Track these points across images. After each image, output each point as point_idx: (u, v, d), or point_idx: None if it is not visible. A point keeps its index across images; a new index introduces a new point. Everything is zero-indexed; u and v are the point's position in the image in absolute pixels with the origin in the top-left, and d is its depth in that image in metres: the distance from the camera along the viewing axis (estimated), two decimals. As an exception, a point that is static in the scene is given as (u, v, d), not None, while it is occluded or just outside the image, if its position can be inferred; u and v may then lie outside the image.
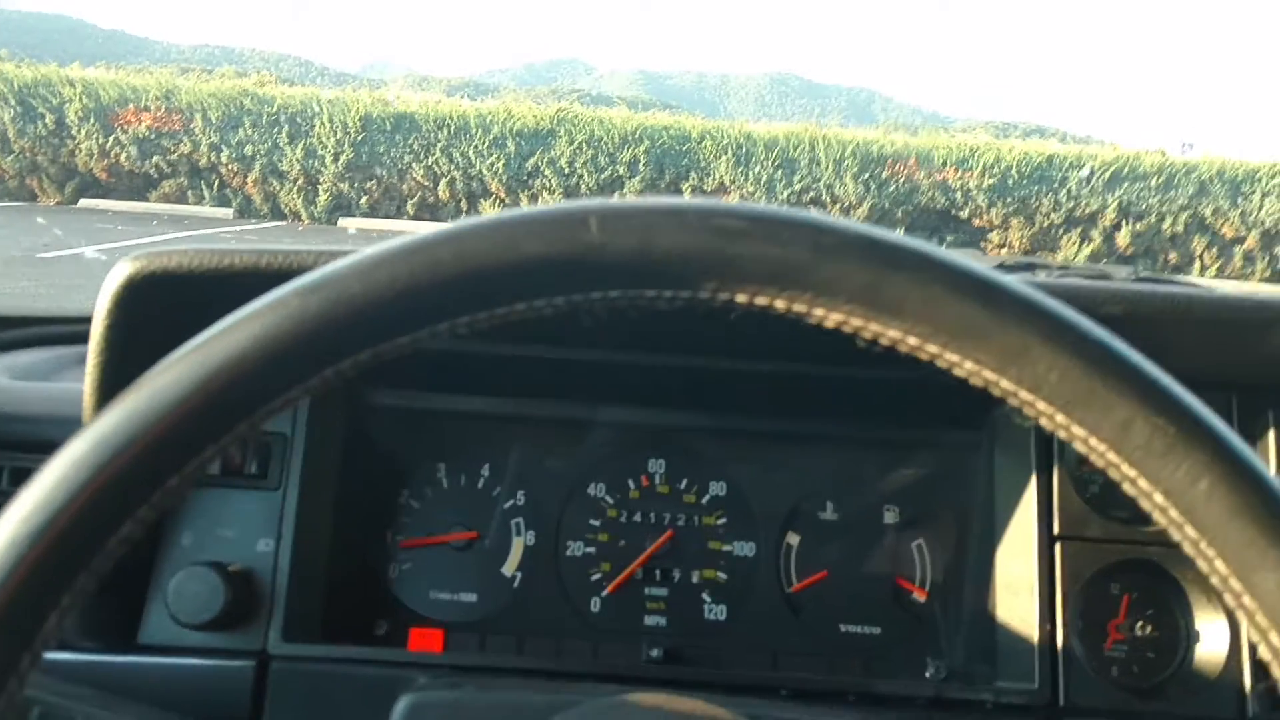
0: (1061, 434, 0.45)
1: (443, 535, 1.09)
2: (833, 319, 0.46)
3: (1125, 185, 14.67)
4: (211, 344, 0.42)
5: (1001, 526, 1.01)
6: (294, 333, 0.43)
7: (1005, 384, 0.45)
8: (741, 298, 0.46)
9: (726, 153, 14.57)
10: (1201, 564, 0.43)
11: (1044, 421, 0.45)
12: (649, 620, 1.08)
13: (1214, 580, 0.43)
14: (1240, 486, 0.41)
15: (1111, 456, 0.44)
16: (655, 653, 1.01)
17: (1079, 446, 0.45)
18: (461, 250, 0.44)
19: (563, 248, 0.44)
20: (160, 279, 0.84)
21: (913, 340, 0.46)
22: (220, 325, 0.43)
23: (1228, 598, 0.42)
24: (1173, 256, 14.76)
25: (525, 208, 0.46)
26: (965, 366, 0.45)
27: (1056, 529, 0.97)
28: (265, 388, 0.43)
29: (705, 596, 1.09)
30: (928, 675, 1.04)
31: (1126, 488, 0.44)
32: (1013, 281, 0.46)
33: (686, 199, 0.47)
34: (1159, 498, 0.43)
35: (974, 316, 0.44)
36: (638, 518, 1.10)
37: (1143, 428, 0.42)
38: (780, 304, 0.46)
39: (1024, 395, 0.45)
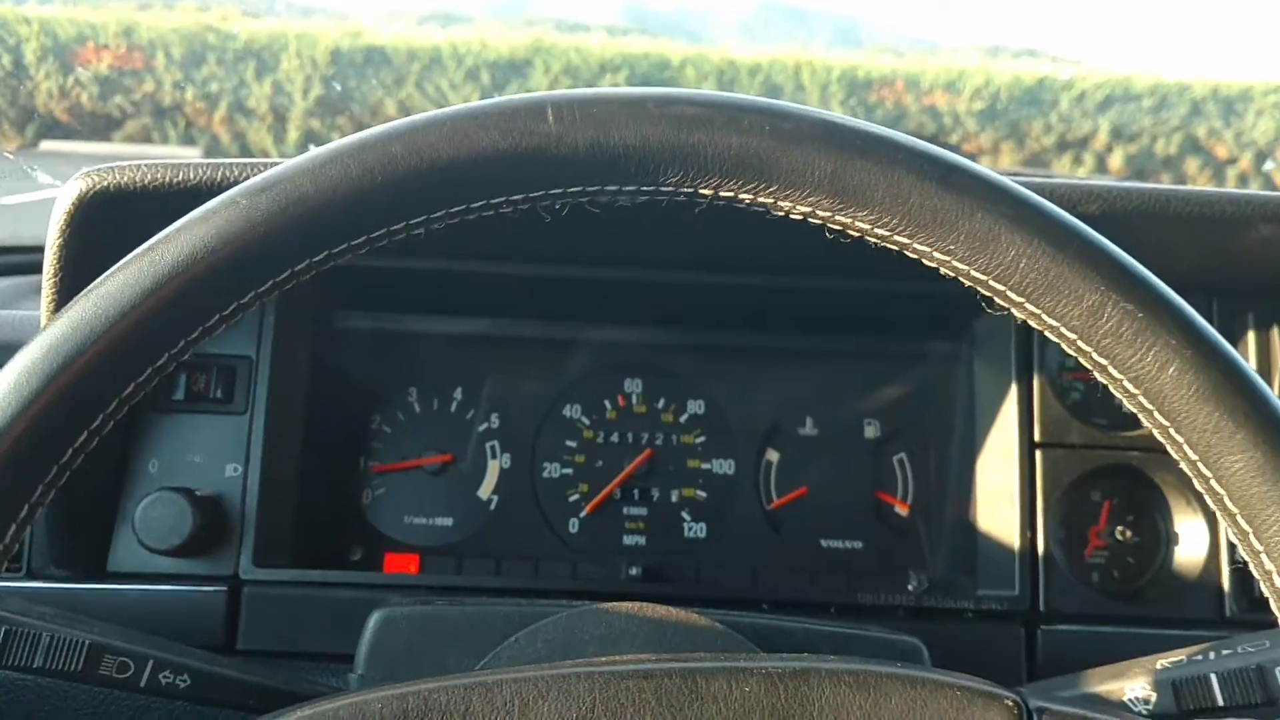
0: (1032, 323, 0.44)
1: (416, 459, 1.08)
2: (799, 210, 0.45)
3: (1117, 107, 14.58)
4: (160, 248, 0.41)
5: (982, 436, 1.01)
6: (244, 235, 0.41)
7: (975, 273, 0.44)
8: (705, 190, 0.45)
9: (709, 80, 14.37)
10: (1171, 450, 0.43)
11: (1015, 311, 0.44)
12: (628, 540, 1.07)
13: (1184, 466, 0.42)
14: (1208, 370, 0.40)
15: (1082, 345, 0.43)
16: (635, 571, 1.01)
17: (1050, 336, 0.44)
18: (415, 144, 0.42)
19: (519, 139, 0.42)
20: (113, 195, 0.81)
21: (881, 230, 0.44)
22: (169, 229, 0.42)
23: (1197, 483, 0.42)
24: (1166, 179, 14.75)
25: (481, 101, 0.44)
26: (934, 256, 0.44)
27: (1037, 436, 0.97)
28: (219, 291, 0.42)
29: (685, 515, 1.09)
30: (910, 588, 1.04)
31: (1098, 375, 0.43)
32: (978, 167, 0.44)
33: (647, 88, 0.45)
34: (1129, 385, 0.43)
35: (940, 203, 0.42)
36: (615, 438, 1.09)
37: (1112, 314, 0.41)
38: (745, 196, 0.45)
39: (994, 285, 0.44)
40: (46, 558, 0.89)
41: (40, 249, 0.85)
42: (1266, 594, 0.42)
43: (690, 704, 0.47)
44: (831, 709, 0.47)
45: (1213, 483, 0.42)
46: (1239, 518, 0.41)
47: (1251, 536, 0.41)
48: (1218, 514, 0.42)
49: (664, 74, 14.46)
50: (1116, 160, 14.55)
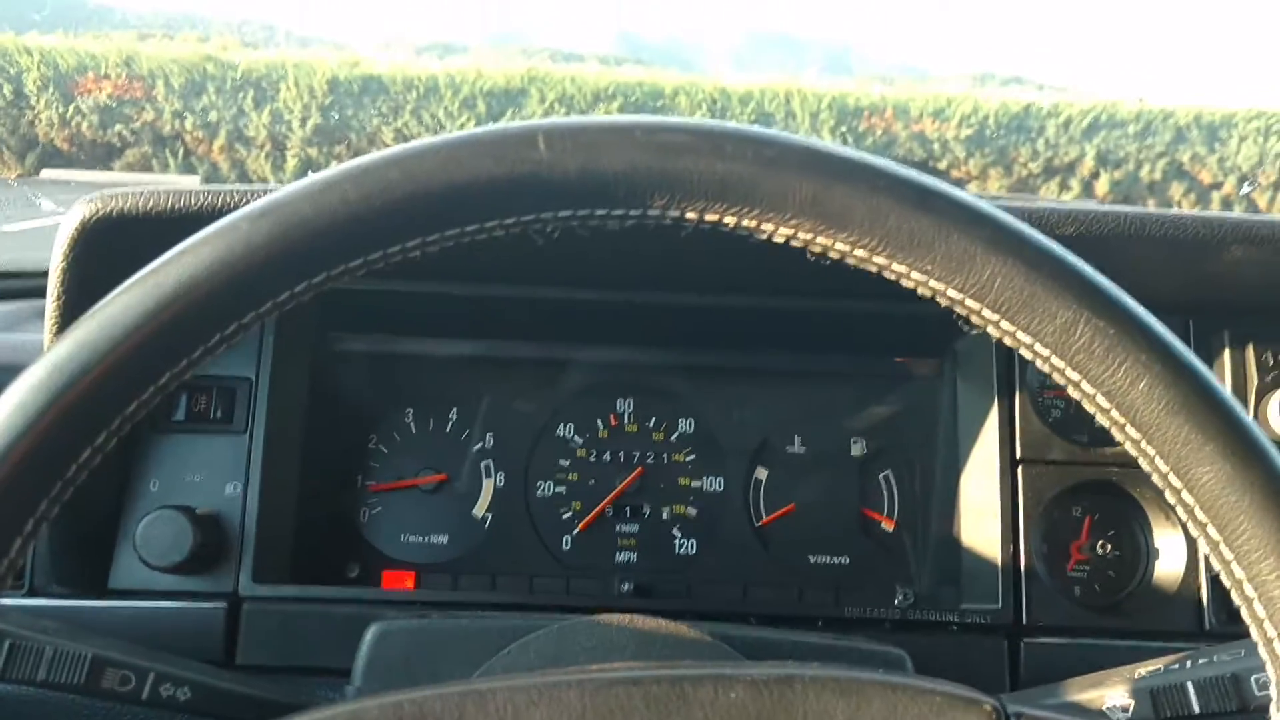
0: (1007, 341, 0.45)
1: (412, 479, 1.09)
2: (781, 233, 0.46)
3: (1103, 133, 14.66)
4: (163, 270, 0.42)
5: (965, 453, 1.03)
6: (245, 257, 0.43)
7: (951, 292, 0.46)
8: (691, 215, 0.47)
9: (701, 108, 14.44)
10: (1143, 463, 0.44)
11: (991, 330, 0.46)
12: (620, 557, 1.09)
13: (1155, 479, 0.44)
14: (1178, 385, 0.42)
15: (1056, 361, 0.45)
16: (627, 587, 1.03)
17: (1025, 353, 0.45)
18: (411, 170, 0.44)
19: (511, 166, 0.44)
20: (117, 220, 0.83)
21: (860, 252, 0.46)
22: (172, 252, 0.43)
23: (1169, 495, 0.43)
24: (1151, 204, 14.79)
25: (475, 129, 0.46)
26: (912, 277, 0.46)
27: (1019, 453, 0.99)
28: (219, 313, 0.43)
29: (675, 532, 1.10)
30: (896, 602, 1.06)
31: (1071, 391, 0.45)
32: (954, 190, 0.46)
33: (636, 116, 0.47)
34: (1102, 400, 0.44)
35: (918, 224, 0.44)
36: (607, 457, 1.11)
37: (1084, 331, 0.43)
38: (729, 219, 0.46)
39: (970, 303, 0.46)
40: (49, 576, 0.90)
41: (43, 274, 0.87)
42: (1237, 603, 0.43)
43: (677, 710, 0.48)
44: (815, 714, 0.48)
45: (1184, 494, 0.43)
46: (1209, 528, 0.42)
47: (1222, 546, 0.42)
48: (1189, 525, 0.43)
49: (657, 103, 14.52)
50: (1102, 186, 14.61)
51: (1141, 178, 14.76)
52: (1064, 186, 14.79)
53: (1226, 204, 14.63)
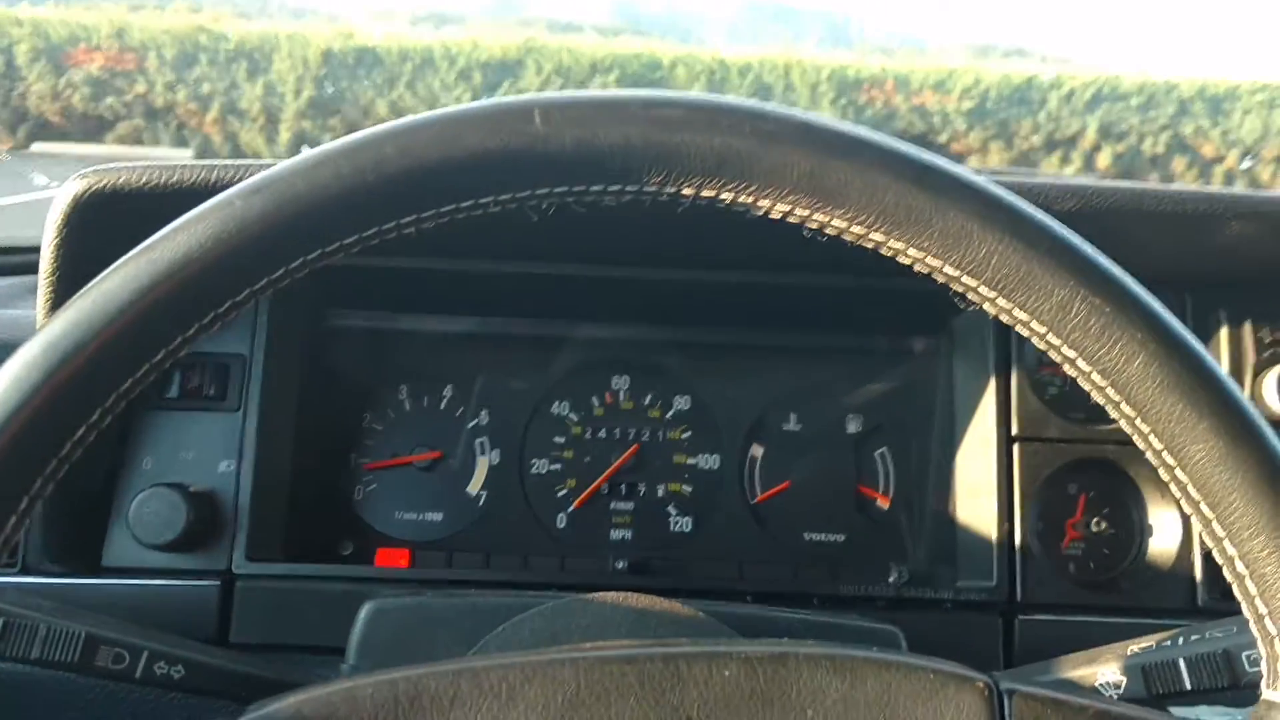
0: (1004, 318, 0.45)
1: (407, 456, 1.09)
2: (778, 208, 0.46)
3: (1105, 106, 14.60)
4: (157, 248, 0.42)
5: (962, 430, 1.03)
6: (239, 234, 0.42)
7: (948, 269, 0.46)
8: (687, 190, 0.46)
9: (700, 80, 14.35)
10: (1138, 440, 0.44)
11: (987, 307, 0.46)
12: (615, 534, 1.09)
13: (1150, 455, 0.44)
14: (1172, 362, 0.42)
15: (1052, 339, 0.45)
16: (622, 565, 1.03)
17: (1021, 330, 0.45)
18: (405, 145, 0.43)
19: (507, 140, 0.43)
20: (110, 196, 0.82)
21: (856, 228, 0.46)
22: (166, 229, 0.43)
23: (1162, 472, 0.44)
24: (1154, 178, 14.74)
25: (470, 103, 0.45)
26: (909, 253, 0.46)
27: (1015, 430, 0.99)
28: (214, 290, 0.43)
29: (671, 509, 1.10)
30: (891, 579, 1.06)
31: (1067, 369, 0.45)
32: (951, 165, 0.46)
33: (632, 90, 0.46)
34: (1097, 377, 0.44)
35: (914, 201, 0.44)
36: (602, 434, 1.11)
37: (1080, 308, 0.43)
38: (726, 195, 0.46)
39: (966, 280, 0.46)
40: (41, 554, 0.90)
41: (35, 250, 0.86)
42: (1229, 580, 0.43)
43: (672, 687, 0.48)
44: (809, 691, 0.48)
45: (1177, 471, 0.43)
46: (1202, 505, 0.42)
47: (1214, 524, 0.42)
48: (1182, 502, 0.43)
49: (655, 74, 14.43)
50: (1104, 159, 14.54)
51: (1144, 151, 14.70)
52: (1066, 160, 14.73)
53: (1229, 177, 14.58)
